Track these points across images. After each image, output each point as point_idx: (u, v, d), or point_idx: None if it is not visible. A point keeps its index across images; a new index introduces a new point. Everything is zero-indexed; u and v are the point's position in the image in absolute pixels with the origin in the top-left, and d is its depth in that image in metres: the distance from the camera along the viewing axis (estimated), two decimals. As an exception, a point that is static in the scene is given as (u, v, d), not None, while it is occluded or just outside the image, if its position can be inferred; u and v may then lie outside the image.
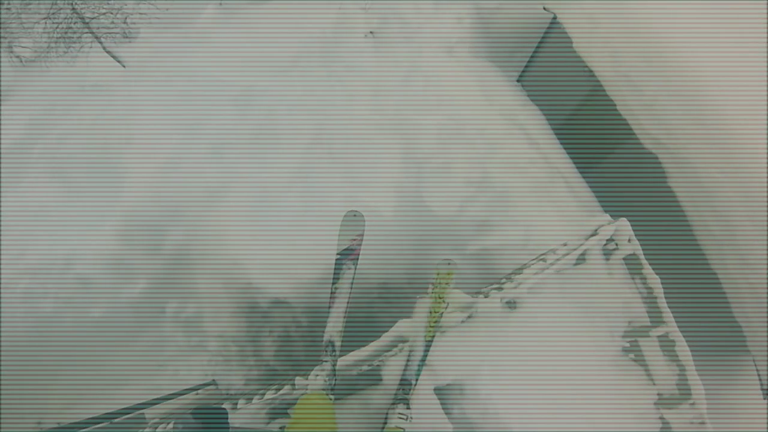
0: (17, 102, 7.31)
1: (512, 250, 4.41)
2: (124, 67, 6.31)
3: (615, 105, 4.51)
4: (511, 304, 2.96)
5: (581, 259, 3.18)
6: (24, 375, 4.34)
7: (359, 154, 4.81)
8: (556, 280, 3.06)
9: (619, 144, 4.94)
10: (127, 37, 9.09)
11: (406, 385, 2.63)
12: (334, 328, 2.52)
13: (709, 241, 4.03)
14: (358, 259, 2.55)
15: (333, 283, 2.54)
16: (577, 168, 5.27)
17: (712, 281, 4.07)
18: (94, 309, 4.61)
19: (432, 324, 2.61)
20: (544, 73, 6.07)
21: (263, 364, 4.41)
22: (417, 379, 2.63)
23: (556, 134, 5.51)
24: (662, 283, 3.07)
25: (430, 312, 2.62)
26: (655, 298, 3.08)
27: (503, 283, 2.92)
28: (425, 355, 2.62)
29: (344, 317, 2.54)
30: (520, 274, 2.91)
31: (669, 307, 3.04)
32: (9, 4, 8.40)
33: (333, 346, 2.50)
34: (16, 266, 4.61)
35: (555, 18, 5.23)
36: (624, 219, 3.14)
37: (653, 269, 3.11)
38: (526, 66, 6.35)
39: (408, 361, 2.65)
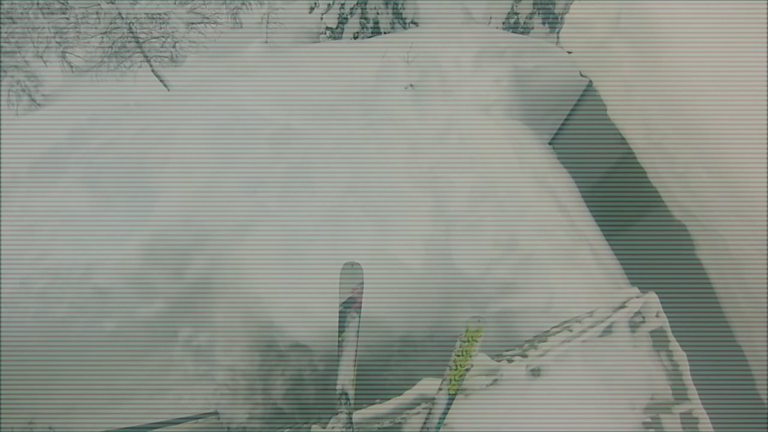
0: (62, 107, 7.57)
1: (534, 313, 4.36)
2: (168, 90, 6.54)
3: (646, 173, 4.53)
4: (536, 372, 2.90)
5: (607, 330, 3.13)
6: (25, 372, 4.32)
7: (391, 205, 4.86)
8: (580, 350, 3.01)
9: (648, 212, 4.92)
10: (174, 62, 9.43)
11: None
12: (345, 377, 2.51)
13: (737, 317, 3.95)
14: (360, 308, 2.57)
15: (339, 334, 2.56)
16: (604, 234, 5.24)
17: (739, 359, 3.96)
18: (107, 321, 4.61)
19: (456, 378, 2.57)
20: (577, 137, 6.13)
21: (270, 403, 4.32)
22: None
23: (584, 199, 5.50)
24: (688, 359, 3.02)
25: (456, 366, 2.58)
26: (681, 373, 3.05)
27: (527, 349, 2.87)
28: (447, 410, 2.57)
29: (354, 367, 2.52)
30: (544, 341, 2.87)
31: (694, 384, 2.99)
32: (68, 14, 8.84)
33: (347, 396, 2.48)
34: (37, 265, 4.65)
35: (590, 84, 5.32)
36: (653, 293, 3.12)
37: (679, 344, 3.07)
38: (559, 129, 6.43)
39: (429, 414, 2.60)
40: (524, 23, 13.78)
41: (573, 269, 4.76)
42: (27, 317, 4.49)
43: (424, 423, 2.61)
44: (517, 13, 13.67)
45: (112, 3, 5.99)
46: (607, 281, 4.72)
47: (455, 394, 2.57)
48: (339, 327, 2.55)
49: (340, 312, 2.55)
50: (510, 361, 2.75)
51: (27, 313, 4.50)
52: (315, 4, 9.86)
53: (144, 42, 6.45)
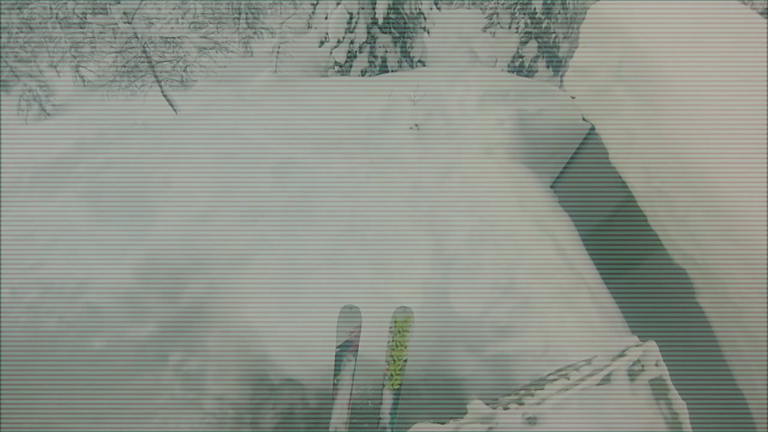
0: (70, 120, 7.65)
1: (531, 357, 4.30)
2: (176, 112, 6.63)
3: (646, 218, 4.54)
4: (532, 420, 2.84)
5: (606, 379, 3.08)
6: (6, 383, 4.19)
7: (390, 245, 4.83)
8: (578, 398, 2.95)
9: (648, 257, 4.94)
10: (184, 85, 9.59)
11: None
12: (339, 419, 2.50)
13: (738, 364, 3.88)
14: (357, 351, 2.56)
15: (335, 376, 2.55)
16: (603, 279, 5.22)
17: (741, 407, 3.89)
18: (96, 339, 4.50)
19: (396, 373, 2.54)
20: (578, 181, 6.20)
21: (258, 437, 4.21)
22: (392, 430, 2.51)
23: (584, 243, 5.50)
24: (688, 408, 2.98)
25: (394, 360, 2.56)
26: (680, 423, 2.98)
27: (523, 396, 2.82)
28: (396, 405, 2.52)
29: (349, 409, 2.50)
30: (541, 389, 2.83)
31: (694, 434, 2.93)
32: (86, 29, 9.02)
33: (340, 438, 2.44)
34: (30, 275, 4.57)
35: (593, 128, 5.39)
36: (652, 342, 3.09)
37: (679, 393, 3.03)
38: (560, 173, 6.49)
39: (380, 414, 2.55)
40: (529, 66, 14.11)
41: (571, 313, 4.72)
42: (15, 327, 4.37)
43: (378, 423, 2.56)
44: (522, 56, 14.01)
45: (129, 23, 6.13)
46: (605, 326, 4.68)
47: (400, 388, 2.53)
48: (335, 368, 2.54)
49: (336, 353, 2.54)
50: (506, 408, 2.70)
51: (16, 323, 4.36)
52: (325, 38, 10.10)
53: (156, 64, 6.58)
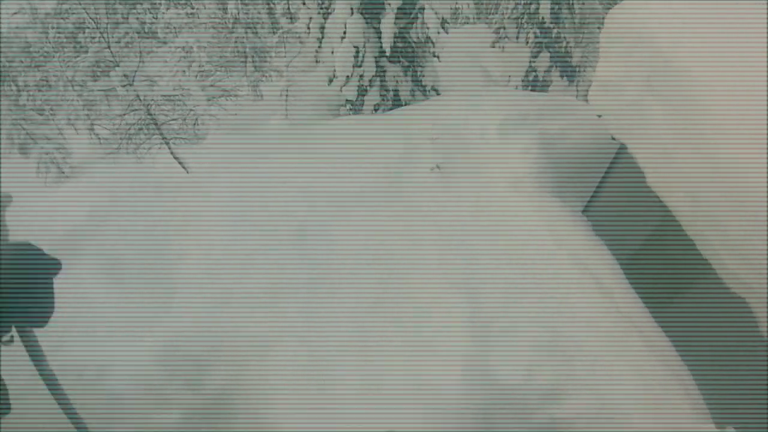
0: (85, 182, 7.55)
1: (585, 419, 3.87)
2: (187, 172, 6.44)
3: (694, 243, 4.02)
4: None
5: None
6: None
7: (424, 315, 4.47)
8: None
9: (698, 285, 4.47)
10: (196, 136, 9.53)
11: None
12: None
13: None
14: None
15: None
16: (652, 314, 4.75)
17: None
18: (119, 428, 4.22)
19: None
20: (612, 204, 5.73)
21: None
22: None
23: (624, 271, 5.05)
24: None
25: None
26: None
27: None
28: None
29: None
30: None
31: None
32: (93, 91, 9.05)
33: None
34: (50, 360, 4.36)
35: (623, 146, 4.98)
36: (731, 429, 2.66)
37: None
38: (591, 196, 6.08)
39: None
40: (543, 78, 13.76)
41: (623, 363, 4.28)
42: (35, 418, 4.17)
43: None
44: (535, 69, 13.66)
45: (130, 85, 6.01)
46: (662, 372, 4.22)
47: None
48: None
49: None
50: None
51: (35, 414, 4.18)
52: (333, 75, 9.92)
53: (163, 124, 6.42)
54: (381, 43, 8.81)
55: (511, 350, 4.18)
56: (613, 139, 5.06)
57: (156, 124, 6.24)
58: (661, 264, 4.99)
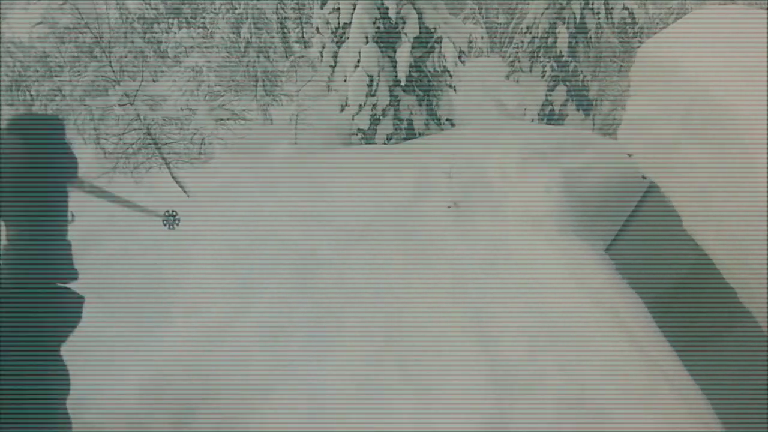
0: (81, 199, 7.23)
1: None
2: (188, 196, 6.10)
3: (734, 290, 3.64)
4: None
5: None
6: None
7: (435, 363, 4.03)
8: None
9: (734, 331, 4.08)
10: (202, 155, 9.27)
11: None
12: None
13: None
14: None
15: None
16: (681, 360, 4.33)
17: None
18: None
19: None
20: (641, 245, 5.29)
21: None
22: None
23: (652, 314, 4.64)
24: None
25: None
26: None
27: None
28: None
29: None
30: None
31: None
32: (92, 109, 8.83)
33: None
34: None
35: (654, 185, 4.63)
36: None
37: None
38: (617, 235, 5.69)
39: None
40: (559, 111, 13.48)
41: (654, 418, 3.86)
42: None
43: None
44: (551, 102, 13.39)
45: (131, 104, 5.71)
46: (692, 422, 3.81)
47: None
48: None
49: None
50: None
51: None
52: (345, 103, 9.66)
53: (164, 145, 6.08)
54: (396, 72, 8.56)
55: (533, 407, 3.72)
56: (644, 178, 4.69)
57: (156, 144, 5.90)
58: (695, 309, 4.49)
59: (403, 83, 8.32)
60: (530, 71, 14.78)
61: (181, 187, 6.03)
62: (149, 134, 5.78)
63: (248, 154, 8.72)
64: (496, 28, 22.64)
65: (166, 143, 6.14)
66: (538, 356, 4.06)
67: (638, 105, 4.91)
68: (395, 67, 8.49)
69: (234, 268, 4.90)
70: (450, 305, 4.52)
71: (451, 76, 8.62)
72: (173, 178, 6.02)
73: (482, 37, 20.28)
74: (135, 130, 5.85)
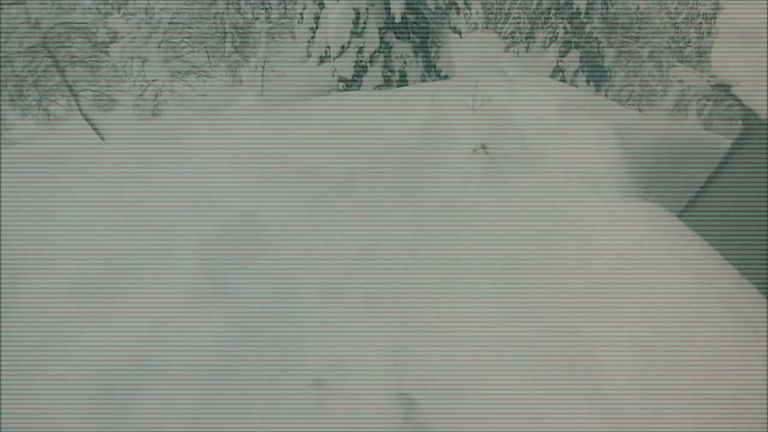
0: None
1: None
2: (103, 140, 4.40)
3: None
4: None
5: None
6: None
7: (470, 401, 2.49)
8: None
9: None
10: (155, 114, 7.88)
11: None
12: None
13: None
14: None
15: None
16: None
17: None
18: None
19: None
20: (727, 208, 4.11)
21: None
22: None
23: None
24: None
25: None
26: None
27: None
28: None
29: None
30: None
31: None
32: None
33: None
34: None
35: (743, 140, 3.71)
36: None
37: None
38: (692, 200, 4.40)
39: None
40: (570, 81, 11.94)
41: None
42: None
43: None
44: (562, 70, 11.86)
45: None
46: None
47: None
48: None
49: None
50: None
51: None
52: (326, 52, 8.03)
53: (66, 66, 4.25)
54: (388, 11, 6.97)
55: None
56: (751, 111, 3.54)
57: (58, 65, 4.12)
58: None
59: (397, 20, 6.70)
60: (533, 41, 13.32)
61: (95, 128, 4.33)
62: (47, 48, 3.99)
63: (211, 112, 7.24)
64: (492, 3, 21.32)
65: (70, 63, 4.35)
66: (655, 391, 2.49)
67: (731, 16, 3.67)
68: (387, 4, 6.90)
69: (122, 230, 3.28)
70: (494, 311, 2.84)
71: (459, 10, 7.04)
72: (83, 114, 4.28)
73: (477, 12, 18.89)
74: (26, 38, 4.02)
